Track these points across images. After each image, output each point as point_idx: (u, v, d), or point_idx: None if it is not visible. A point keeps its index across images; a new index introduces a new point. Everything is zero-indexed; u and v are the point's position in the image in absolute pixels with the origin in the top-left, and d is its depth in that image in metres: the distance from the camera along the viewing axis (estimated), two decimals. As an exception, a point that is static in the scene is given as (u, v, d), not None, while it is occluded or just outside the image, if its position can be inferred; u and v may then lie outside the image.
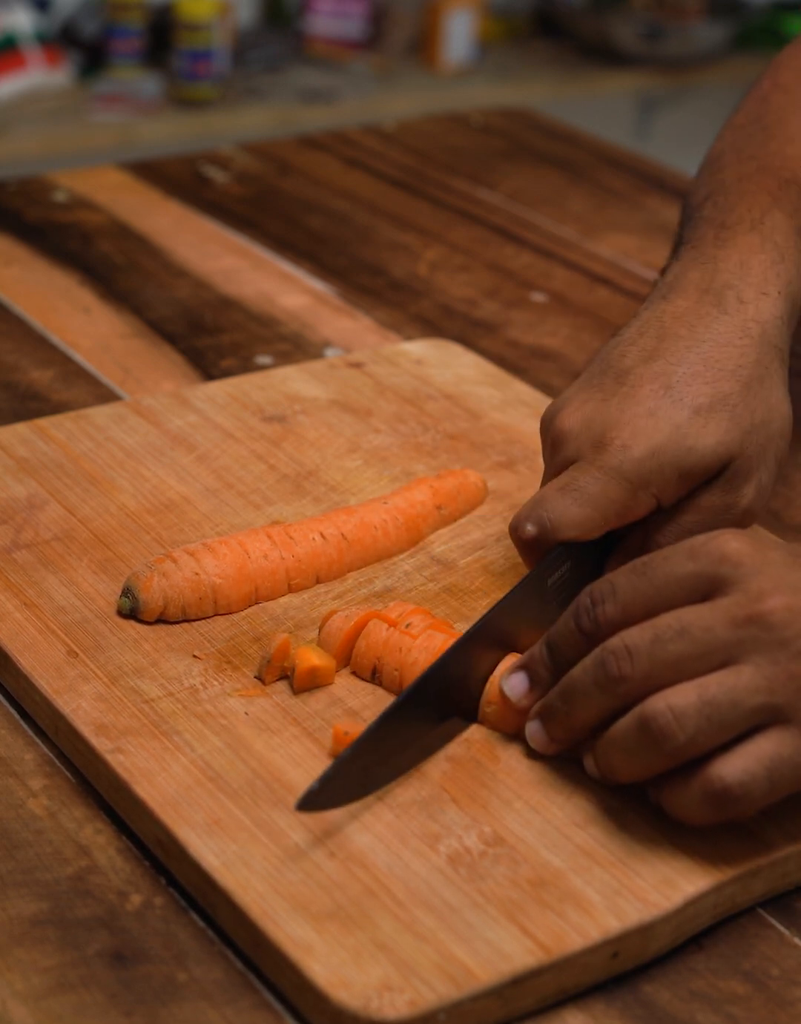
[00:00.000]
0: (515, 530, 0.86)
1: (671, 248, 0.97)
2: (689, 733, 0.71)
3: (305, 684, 0.82)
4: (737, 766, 0.71)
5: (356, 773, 0.74)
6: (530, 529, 0.85)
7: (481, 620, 0.82)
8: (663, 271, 0.94)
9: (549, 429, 0.88)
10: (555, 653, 0.77)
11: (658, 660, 0.72)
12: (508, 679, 0.79)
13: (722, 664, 0.72)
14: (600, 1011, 0.69)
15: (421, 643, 0.82)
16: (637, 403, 0.85)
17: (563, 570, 0.86)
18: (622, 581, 0.75)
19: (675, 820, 0.74)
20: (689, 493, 0.86)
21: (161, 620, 0.86)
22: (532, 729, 0.78)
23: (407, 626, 0.83)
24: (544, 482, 0.88)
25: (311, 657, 0.81)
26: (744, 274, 0.90)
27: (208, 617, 0.87)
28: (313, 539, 0.90)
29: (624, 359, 0.87)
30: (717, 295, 0.89)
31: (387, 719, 0.76)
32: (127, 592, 0.86)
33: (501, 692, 0.79)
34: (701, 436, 0.84)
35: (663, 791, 0.73)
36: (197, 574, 0.86)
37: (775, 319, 0.89)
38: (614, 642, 0.73)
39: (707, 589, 0.73)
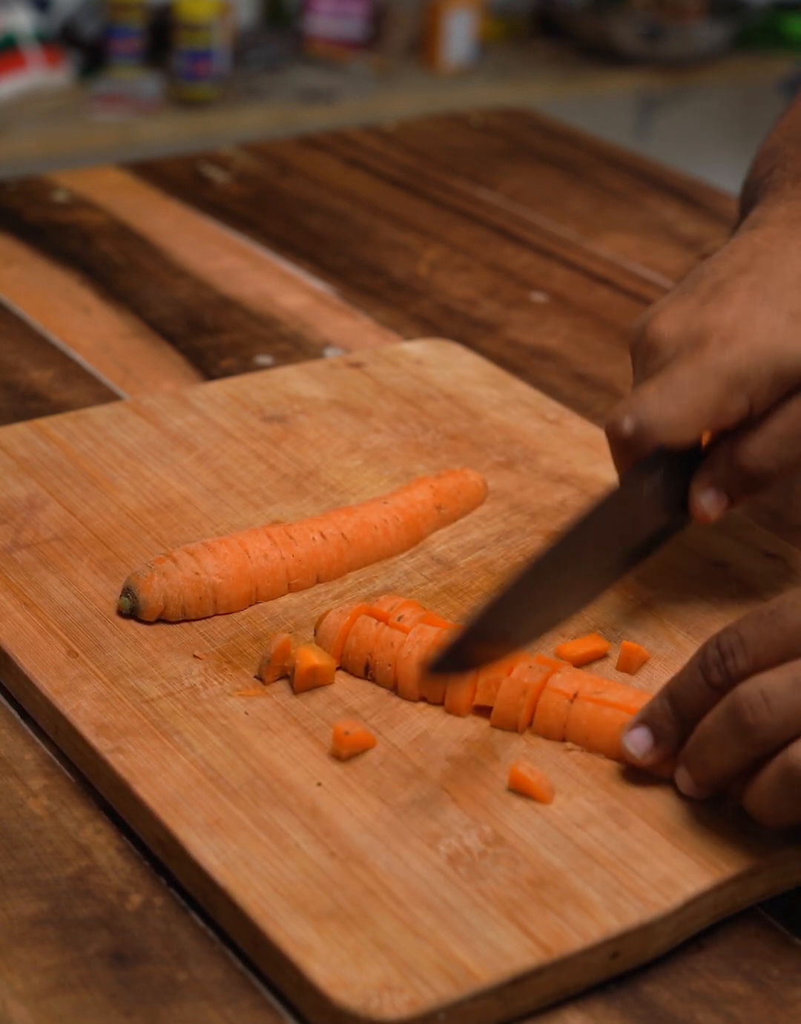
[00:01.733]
0: (613, 428, 0.84)
1: (731, 232, 0.97)
2: None
3: (305, 684, 0.81)
4: None
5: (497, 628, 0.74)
6: (628, 426, 0.83)
7: (579, 519, 0.80)
8: (733, 233, 0.94)
9: (644, 336, 0.86)
10: (679, 706, 0.75)
11: (796, 706, 0.71)
12: (630, 735, 0.77)
13: None
14: (600, 1011, 0.69)
15: (413, 637, 0.82)
16: (734, 306, 0.84)
17: (655, 478, 0.84)
18: (750, 632, 0.74)
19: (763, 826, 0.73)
20: (780, 400, 0.85)
21: (161, 620, 0.86)
22: (680, 776, 0.76)
23: (399, 620, 0.83)
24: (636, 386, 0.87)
25: (311, 657, 0.81)
26: None
27: (208, 617, 0.87)
28: (313, 539, 0.90)
29: (718, 273, 0.87)
30: None
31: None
32: (127, 592, 0.86)
33: (623, 748, 0.77)
34: (798, 340, 0.83)
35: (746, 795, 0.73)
36: (197, 574, 0.86)
37: None
38: (749, 689, 0.72)
39: None
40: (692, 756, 0.75)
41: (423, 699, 0.82)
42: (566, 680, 0.80)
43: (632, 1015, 0.69)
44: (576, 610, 0.84)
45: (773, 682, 0.72)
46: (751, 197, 0.98)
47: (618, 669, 0.85)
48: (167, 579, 0.86)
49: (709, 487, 0.86)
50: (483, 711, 0.81)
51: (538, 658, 0.81)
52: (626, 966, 0.71)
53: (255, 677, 0.82)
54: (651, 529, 0.86)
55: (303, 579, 0.89)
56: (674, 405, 0.82)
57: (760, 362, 0.83)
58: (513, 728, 0.80)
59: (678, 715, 0.75)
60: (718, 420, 0.84)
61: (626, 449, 0.84)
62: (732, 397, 0.83)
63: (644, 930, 0.70)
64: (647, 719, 0.77)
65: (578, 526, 0.80)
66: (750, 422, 0.85)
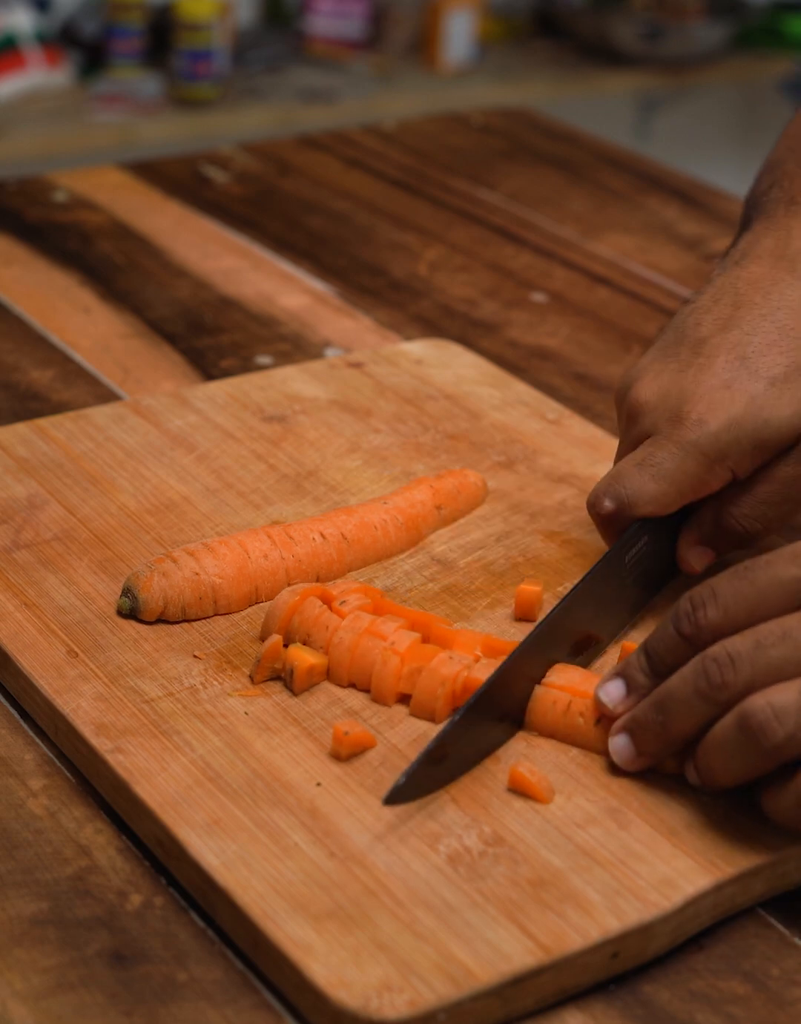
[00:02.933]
0: (593, 506, 0.86)
1: (730, 243, 0.97)
2: (789, 729, 0.70)
3: (304, 684, 0.81)
4: None
5: (440, 762, 0.75)
6: (609, 505, 0.86)
7: (564, 599, 0.82)
8: (732, 245, 0.94)
9: (625, 401, 0.88)
10: (654, 659, 0.76)
11: (760, 666, 0.71)
12: (604, 686, 0.77)
13: None
14: (600, 1011, 0.69)
15: (347, 623, 0.82)
16: (712, 375, 0.85)
17: (640, 545, 0.86)
18: (723, 586, 0.74)
19: (778, 826, 0.73)
20: (764, 464, 0.86)
21: (161, 620, 0.86)
22: (618, 744, 0.76)
23: (341, 604, 0.83)
24: (620, 453, 0.89)
25: (306, 657, 0.81)
26: None
27: (208, 617, 0.87)
28: (313, 539, 0.90)
29: (699, 328, 0.87)
30: (791, 261, 0.89)
31: (473, 707, 0.76)
32: (127, 592, 0.86)
33: (596, 699, 0.77)
34: (777, 407, 0.84)
35: (764, 795, 0.73)
36: (197, 574, 0.86)
37: None
38: (715, 649, 0.72)
39: None
40: (650, 718, 0.75)
41: (351, 685, 0.82)
42: (484, 670, 0.80)
43: (632, 1015, 0.69)
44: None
45: (739, 644, 0.72)
46: (751, 206, 0.98)
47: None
48: (167, 579, 0.86)
49: (696, 544, 0.88)
50: (406, 700, 0.81)
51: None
52: (626, 966, 0.71)
53: (249, 677, 0.83)
54: (637, 593, 0.88)
55: (303, 579, 0.89)
56: (653, 484, 0.85)
57: (740, 435, 0.84)
58: (431, 718, 0.80)
59: (652, 667, 0.76)
60: (699, 492, 0.86)
61: (608, 524, 0.87)
62: (712, 471, 0.85)
63: (644, 930, 0.70)
64: (622, 671, 0.77)
65: (559, 613, 0.82)
66: (736, 483, 0.86)
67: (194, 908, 0.73)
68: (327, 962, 0.67)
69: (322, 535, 0.91)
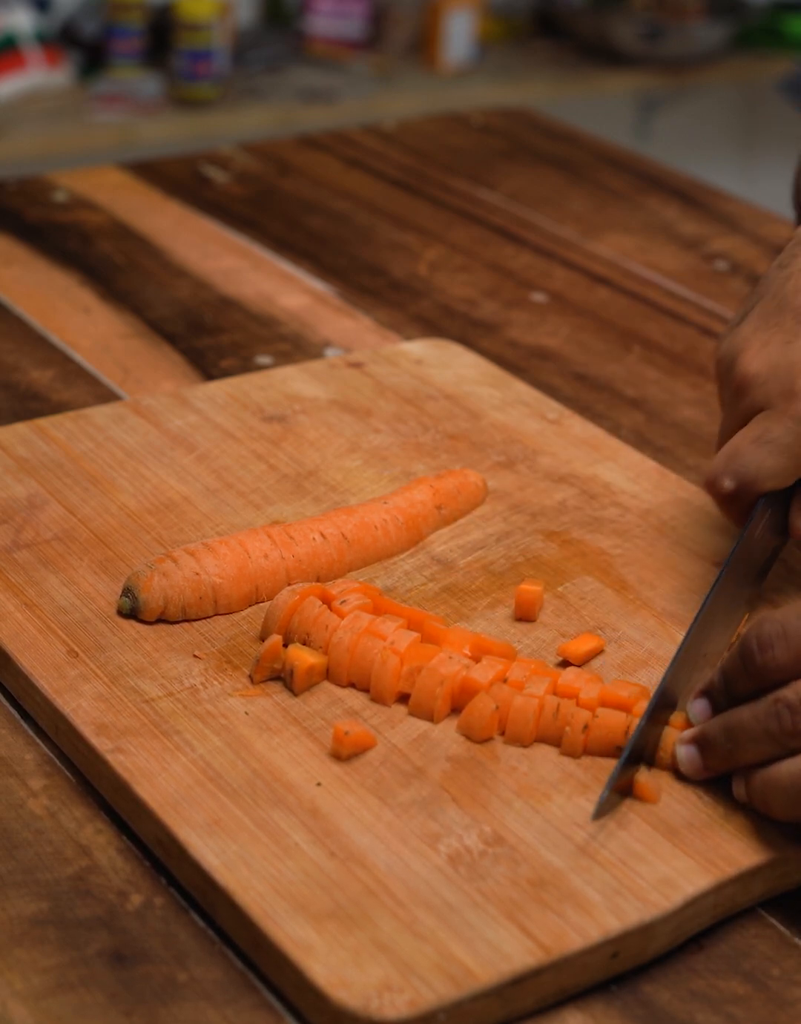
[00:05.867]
0: (712, 485, 0.87)
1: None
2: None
3: (304, 684, 0.81)
4: None
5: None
6: (728, 484, 0.86)
7: (715, 583, 0.83)
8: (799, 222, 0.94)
9: (731, 373, 0.88)
10: (729, 684, 0.76)
11: None
12: (693, 704, 0.78)
13: None
14: (600, 1011, 0.69)
15: (347, 623, 0.82)
16: None
17: (765, 519, 0.87)
18: (793, 624, 0.74)
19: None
20: None
21: (161, 620, 0.86)
22: (686, 754, 0.76)
23: (341, 604, 0.84)
24: (726, 425, 0.89)
25: (306, 657, 0.81)
26: None
27: (208, 617, 0.87)
28: (313, 539, 0.90)
29: (799, 296, 0.87)
30: None
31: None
32: (127, 592, 0.86)
33: (688, 713, 0.78)
34: None
35: None
36: (197, 574, 0.86)
37: None
38: (789, 694, 0.72)
39: None
40: (719, 742, 0.75)
41: (351, 685, 0.82)
42: (483, 671, 0.80)
43: (632, 1015, 0.69)
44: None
45: None
46: None
47: (618, 668, 0.85)
48: (167, 579, 0.86)
49: None
50: (406, 699, 0.81)
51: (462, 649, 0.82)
52: (626, 966, 0.71)
53: (248, 677, 0.82)
54: (764, 558, 0.89)
55: (303, 579, 0.89)
56: (773, 459, 0.85)
57: None
58: (429, 718, 0.80)
59: (727, 691, 0.76)
60: None
61: (730, 502, 0.87)
62: None
63: (644, 930, 0.70)
64: (707, 690, 0.77)
65: (713, 600, 0.83)
66: None
67: (194, 908, 0.73)
68: (327, 962, 0.67)
69: (322, 535, 0.91)
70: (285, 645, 0.83)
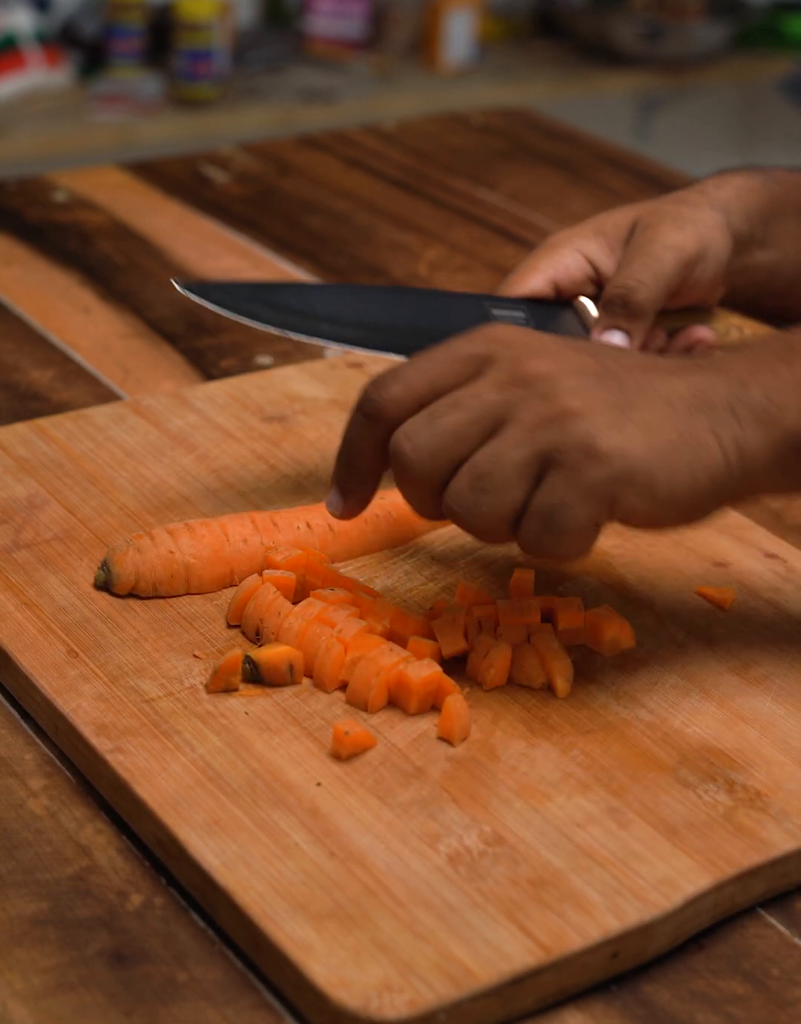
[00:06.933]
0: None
1: None
2: (479, 511, 0.75)
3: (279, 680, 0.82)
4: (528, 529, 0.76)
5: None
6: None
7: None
8: None
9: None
10: (350, 453, 0.81)
11: (437, 434, 0.76)
12: (329, 500, 0.82)
13: (496, 427, 0.75)
14: (600, 1011, 0.69)
15: (299, 610, 0.83)
16: None
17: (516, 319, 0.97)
18: (404, 365, 0.79)
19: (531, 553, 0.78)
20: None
21: (132, 594, 0.87)
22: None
23: (331, 592, 0.85)
24: None
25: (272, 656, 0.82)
26: None
27: (180, 595, 0.88)
28: (297, 527, 0.91)
29: None
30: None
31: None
32: (104, 565, 0.88)
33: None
34: None
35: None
36: (171, 552, 0.88)
37: None
38: (396, 432, 0.77)
39: (481, 366, 0.77)
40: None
41: (307, 676, 0.83)
42: (422, 669, 0.80)
43: (632, 1015, 0.69)
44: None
45: (415, 420, 0.77)
46: None
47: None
48: (141, 555, 0.87)
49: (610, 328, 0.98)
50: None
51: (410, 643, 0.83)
52: (626, 966, 0.71)
53: (203, 685, 0.82)
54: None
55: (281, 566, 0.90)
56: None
57: None
58: (364, 707, 0.80)
59: (350, 463, 0.81)
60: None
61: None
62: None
63: (644, 930, 0.70)
64: (334, 480, 0.82)
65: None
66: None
67: (194, 908, 0.73)
68: (327, 962, 0.67)
69: (308, 524, 0.91)
70: (256, 634, 0.84)
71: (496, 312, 0.99)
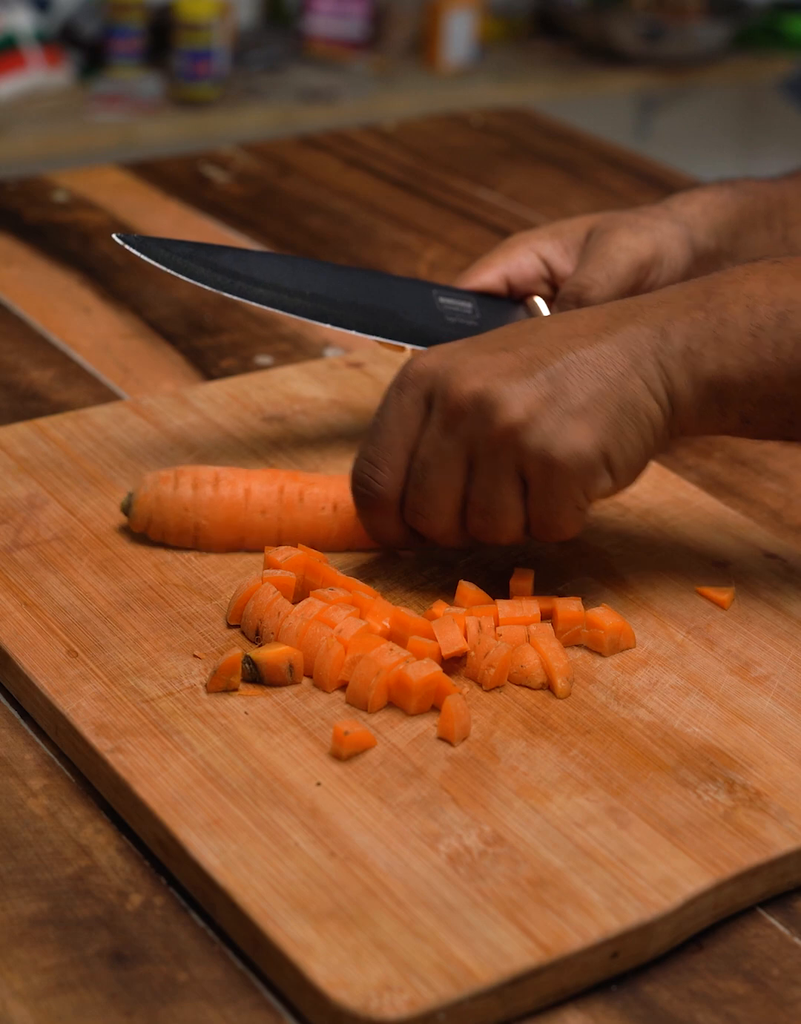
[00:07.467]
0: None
1: None
2: (498, 533, 0.84)
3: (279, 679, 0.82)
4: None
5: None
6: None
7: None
8: None
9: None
10: (385, 541, 0.88)
11: (432, 498, 0.83)
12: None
13: (469, 460, 0.83)
14: (600, 1011, 0.69)
15: (298, 610, 0.83)
16: None
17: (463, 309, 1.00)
18: (369, 445, 0.85)
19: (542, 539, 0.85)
20: None
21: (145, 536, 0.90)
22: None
23: (331, 592, 0.85)
24: None
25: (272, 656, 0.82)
26: None
27: (188, 549, 0.90)
28: (321, 509, 0.91)
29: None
30: None
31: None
32: (130, 495, 0.91)
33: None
34: None
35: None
36: (185, 509, 0.89)
37: None
38: (405, 515, 0.85)
39: (425, 407, 0.83)
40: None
41: (307, 676, 0.83)
42: (421, 668, 0.80)
43: (632, 1015, 0.69)
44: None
45: (408, 496, 0.85)
46: None
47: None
48: (158, 503, 0.90)
49: None
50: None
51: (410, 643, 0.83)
52: (626, 966, 0.71)
53: (203, 685, 0.82)
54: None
55: (296, 542, 0.91)
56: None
57: None
58: (364, 707, 0.80)
59: (387, 544, 0.89)
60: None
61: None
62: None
63: (644, 930, 0.70)
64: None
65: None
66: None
67: (194, 908, 0.73)
68: (327, 962, 0.67)
69: (334, 507, 0.91)
70: (255, 633, 0.84)
71: (443, 300, 1.01)
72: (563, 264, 1.03)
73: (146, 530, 0.90)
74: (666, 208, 1.05)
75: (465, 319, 1.01)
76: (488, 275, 1.03)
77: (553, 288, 1.03)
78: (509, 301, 1.03)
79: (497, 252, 1.04)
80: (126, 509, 0.91)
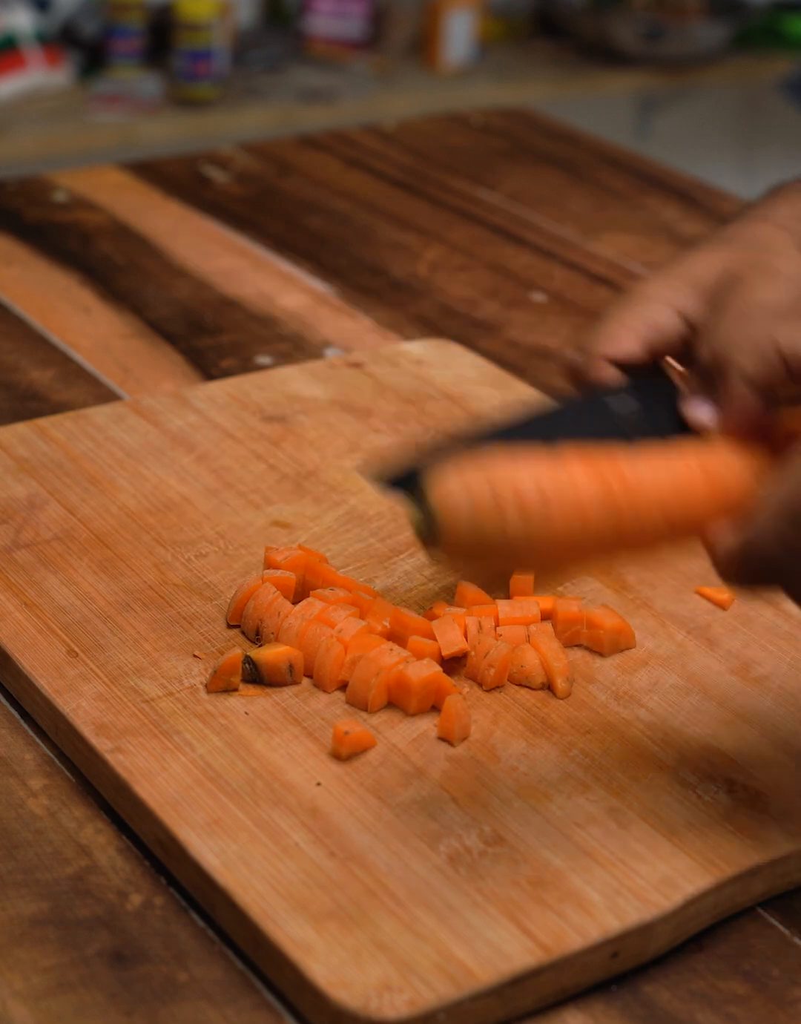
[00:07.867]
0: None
1: None
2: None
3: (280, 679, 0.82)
4: None
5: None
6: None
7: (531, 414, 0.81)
8: None
9: None
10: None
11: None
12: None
13: None
14: (600, 1011, 0.69)
15: (299, 611, 0.83)
16: None
17: (632, 410, 0.85)
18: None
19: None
20: None
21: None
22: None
23: (330, 592, 0.85)
24: None
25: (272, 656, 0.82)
26: None
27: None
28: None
29: None
30: None
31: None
32: (423, 517, 0.72)
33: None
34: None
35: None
36: (508, 544, 0.69)
37: None
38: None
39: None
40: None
41: (307, 676, 0.83)
42: (421, 668, 0.80)
43: (632, 1015, 0.69)
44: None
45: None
46: None
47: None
48: (478, 536, 0.69)
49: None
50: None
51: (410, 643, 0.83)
52: (626, 966, 0.71)
53: (203, 685, 0.82)
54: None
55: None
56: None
57: None
58: (363, 707, 0.80)
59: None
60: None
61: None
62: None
63: (644, 930, 0.70)
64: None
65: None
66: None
67: (194, 908, 0.73)
68: (327, 962, 0.67)
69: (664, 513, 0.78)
70: (256, 633, 0.84)
71: (611, 404, 0.87)
72: (702, 319, 0.90)
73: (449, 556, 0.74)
74: (783, 227, 0.92)
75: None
76: (630, 342, 0.89)
77: (688, 347, 0.91)
78: (654, 376, 0.90)
79: (632, 309, 0.90)
80: (422, 532, 0.70)
